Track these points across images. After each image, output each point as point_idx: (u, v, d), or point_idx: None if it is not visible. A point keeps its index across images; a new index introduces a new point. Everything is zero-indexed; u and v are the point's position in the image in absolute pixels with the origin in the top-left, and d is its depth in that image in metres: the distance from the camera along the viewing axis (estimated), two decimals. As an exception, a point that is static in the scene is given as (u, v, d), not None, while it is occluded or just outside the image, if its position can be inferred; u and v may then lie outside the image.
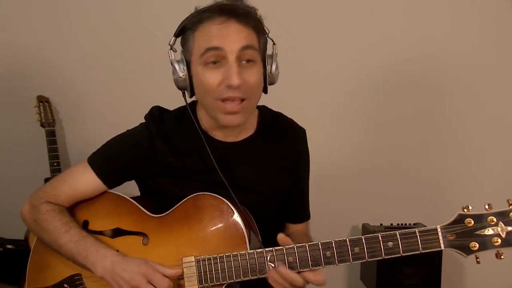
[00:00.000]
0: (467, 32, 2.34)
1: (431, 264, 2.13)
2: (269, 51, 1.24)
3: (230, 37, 1.13)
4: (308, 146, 1.41)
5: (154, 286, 1.13)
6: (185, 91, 1.25)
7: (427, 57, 2.38)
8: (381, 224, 2.24)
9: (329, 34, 2.37)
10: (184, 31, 1.19)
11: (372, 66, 2.38)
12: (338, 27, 2.37)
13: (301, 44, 2.32)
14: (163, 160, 1.27)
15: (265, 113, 1.36)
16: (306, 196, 1.43)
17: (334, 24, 2.37)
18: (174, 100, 1.35)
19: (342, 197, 2.42)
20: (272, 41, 1.23)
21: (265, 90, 1.25)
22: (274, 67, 1.22)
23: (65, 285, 1.26)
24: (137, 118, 1.34)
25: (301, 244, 1.12)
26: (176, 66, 1.20)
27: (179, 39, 1.23)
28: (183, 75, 1.20)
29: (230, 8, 1.14)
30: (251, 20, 1.16)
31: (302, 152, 1.39)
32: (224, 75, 1.13)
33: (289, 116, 1.41)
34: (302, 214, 1.44)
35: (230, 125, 1.20)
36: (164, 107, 1.37)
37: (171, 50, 1.21)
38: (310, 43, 2.36)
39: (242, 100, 1.16)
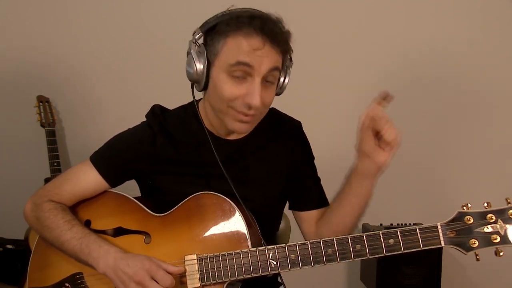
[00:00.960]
0: (473, 32, 2.36)
1: (431, 264, 2.13)
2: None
3: (263, 58, 1.14)
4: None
5: (157, 282, 1.13)
6: (195, 84, 1.24)
7: (430, 58, 2.39)
8: (381, 224, 2.24)
9: (335, 34, 2.38)
10: (215, 31, 1.17)
11: (373, 66, 2.39)
12: (342, 27, 2.38)
13: (307, 44, 2.32)
14: (164, 157, 1.28)
15: None
16: (319, 182, 1.41)
17: (339, 24, 2.38)
18: (174, 100, 1.36)
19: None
20: (291, 59, 1.24)
21: None
22: (286, 81, 1.25)
23: (67, 284, 1.26)
24: (137, 118, 1.35)
25: (302, 242, 1.13)
26: (196, 60, 1.18)
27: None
28: (201, 70, 1.18)
29: (271, 31, 1.14)
30: (284, 45, 1.18)
31: (300, 142, 1.39)
32: (246, 92, 1.15)
33: (287, 113, 1.42)
34: (321, 197, 1.39)
35: (238, 132, 1.24)
36: (164, 106, 1.37)
37: (195, 44, 1.18)
38: (317, 43, 2.36)
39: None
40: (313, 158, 1.42)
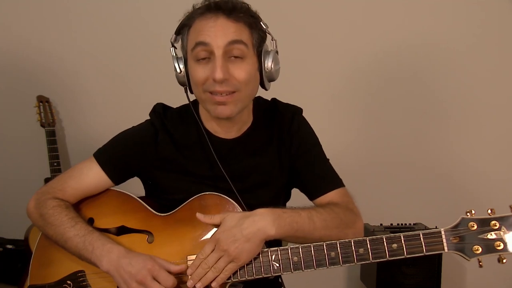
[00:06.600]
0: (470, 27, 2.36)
1: (431, 264, 2.14)
2: (270, 47, 1.25)
3: (217, 32, 1.16)
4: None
5: (159, 282, 1.14)
6: (186, 87, 1.28)
7: (426, 54, 2.39)
8: (381, 224, 2.25)
9: (328, 30, 2.38)
10: (182, 28, 1.24)
11: (372, 63, 2.39)
12: (336, 23, 2.38)
13: (300, 40, 2.33)
14: (166, 155, 1.28)
15: (259, 103, 1.36)
16: (322, 165, 1.34)
17: (333, 20, 2.38)
18: (175, 99, 1.36)
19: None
20: (272, 36, 1.24)
21: (263, 86, 1.27)
22: (270, 62, 1.23)
23: (68, 282, 1.25)
24: (137, 118, 1.35)
25: (305, 245, 1.12)
26: (175, 63, 1.25)
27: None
28: (181, 71, 1.24)
29: (218, 4, 1.18)
30: (241, 15, 1.19)
31: (299, 129, 1.34)
32: (211, 70, 1.17)
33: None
34: (324, 182, 1.32)
35: (221, 116, 1.21)
36: (168, 105, 1.37)
37: (173, 47, 1.26)
38: (310, 39, 2.37)
39: (233, 92, 1.19)
40: (313, 143, 1.36)
